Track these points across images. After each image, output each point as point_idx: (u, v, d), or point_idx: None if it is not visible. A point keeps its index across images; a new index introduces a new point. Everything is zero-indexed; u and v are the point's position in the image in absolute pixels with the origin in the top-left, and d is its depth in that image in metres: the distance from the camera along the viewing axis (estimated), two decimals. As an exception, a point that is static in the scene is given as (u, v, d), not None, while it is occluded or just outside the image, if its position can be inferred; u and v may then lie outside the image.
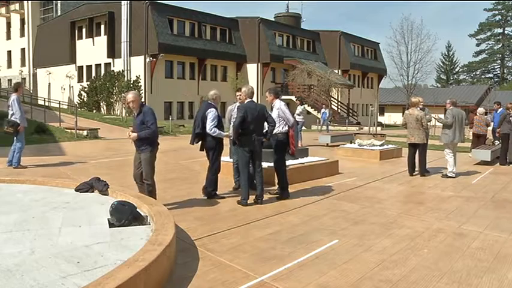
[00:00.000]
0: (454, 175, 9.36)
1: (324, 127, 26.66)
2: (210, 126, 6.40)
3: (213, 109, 6.49)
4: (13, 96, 9.31)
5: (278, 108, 6.88)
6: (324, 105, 29.67)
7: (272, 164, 7.29)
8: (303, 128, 17.37)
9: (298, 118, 14.78)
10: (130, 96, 5.80)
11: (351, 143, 14.07)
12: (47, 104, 23.29)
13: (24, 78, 39.87)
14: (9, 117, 9.24)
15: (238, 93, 7.10)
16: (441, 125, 9.75)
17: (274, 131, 6.62)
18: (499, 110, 12.30)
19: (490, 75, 79.43)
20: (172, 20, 29.73)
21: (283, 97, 29.90)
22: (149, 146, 5.67)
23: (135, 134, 5.68)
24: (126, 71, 29.10)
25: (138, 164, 5.89)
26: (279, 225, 5.48)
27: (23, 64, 40.52)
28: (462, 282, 3.83)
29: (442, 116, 9.85)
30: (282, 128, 6.85)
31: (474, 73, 80.00)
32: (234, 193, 7.15)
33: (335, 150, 13.38)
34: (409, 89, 40.77)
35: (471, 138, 13.86)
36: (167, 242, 3.77)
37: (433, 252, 4.61)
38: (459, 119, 9.45)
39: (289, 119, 6.87)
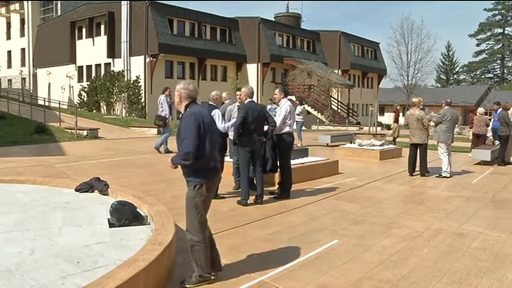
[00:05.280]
0: (448, 175, 9.36)
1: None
2: (222, 125, 6.36)
3: (216, 110, 6.51)
4: (162, 97, 11.82)
5: (281, 107, 6.94)
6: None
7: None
8: (303, 127, 17.33)
9: (298, 118, 14.77)
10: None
11: (351, 143, 14.07)
12: (47, 104, 23.23)
13: (24, 78, 39.87)
14: (158, 113, 11.83)
15: (238, 93, 7.10)
16: None
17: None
18: (499, 110, 12.30)
19: (490, 75, 79.43)
20: (172, 20, 29.71)
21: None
22: (192, 178, 3.60)
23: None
24: (126, 71, 29.09)
25: None
26: (279, 225, 5.48)
27: (23, 64, 40.51)
28: (462, 282, 3.83)
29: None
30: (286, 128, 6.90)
31: (474, 73, 79.99)
32: (234, 193, 7.15)
33: (335, 150, 13.37)
34: (409, 89, 40.81)
35: (471, 138, 13.86)
36: (167, 242, 3.76)
37: (433, 252, 4.61)
38: (453, 120, 9.45)
39: (278, 119, 6.85)
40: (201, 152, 3.50)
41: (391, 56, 43.28)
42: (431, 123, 9.70)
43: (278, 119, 6.84)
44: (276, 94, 7.14)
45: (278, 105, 7.16)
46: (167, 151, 11.85)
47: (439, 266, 4.20)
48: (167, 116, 11.75)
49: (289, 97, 7.36)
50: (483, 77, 78.91)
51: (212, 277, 3.72)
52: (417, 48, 40.86)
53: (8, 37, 42.54)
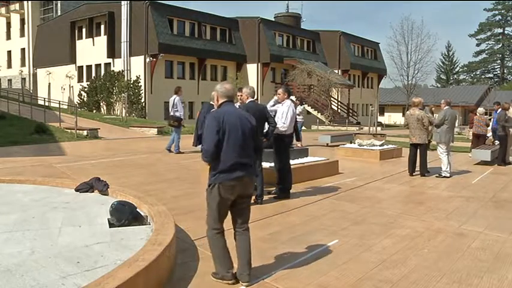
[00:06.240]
0: (448, 174, 9.36)
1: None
2: None
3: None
4: (176, 98, 11.69)
5: (285, 106, 6.94)
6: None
7: (273, 164, 7.27)
8: (303, 127, 17.34)
9: (298, 118, 14.74)
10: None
11: (351, 143, 14.06)
12: (47, 104, 23.23)
13: (24, 78, 39.87)
14: (171, 113, 11.76)
15: (239, 94, 7.09)
16: None
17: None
18: (499, 110, 12.30)
19: (490, 75, 79.43)
20: (172, 20, 29.71)
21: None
22: (209, 177, 3.64)
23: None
24: (126, 71, 29.09)
25: None
26: (279, 225, 5.48)
27: (23, 64, 40.52)
28: (462, 282, 3.83)
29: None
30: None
31: (474, 73, 80.00)
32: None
33: (335, 150, 13.37)
34: (409, 89, 40.85)
35: (471, 138, 13.85)
36: (167, 242, 3.77)
37: (433, 252, 4.61)
38: (452, 120, 9.46)
39: (279, 121, 6.82)
40: (217, 152, 3.53)
41: (391, 56, 43.40)
42: (432, 124, 9.71)
43: (286, 121, 6.84)
44: (279, 94, 7.14)
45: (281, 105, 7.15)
46: (169, 151, 11.93)
47: (439, 266, 4.20)
48: (181, 117, 11.77)
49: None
50: (483, 77, 78.92)
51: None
52: (417, 48, 41.02)
53: (8, 37, 42.55)
